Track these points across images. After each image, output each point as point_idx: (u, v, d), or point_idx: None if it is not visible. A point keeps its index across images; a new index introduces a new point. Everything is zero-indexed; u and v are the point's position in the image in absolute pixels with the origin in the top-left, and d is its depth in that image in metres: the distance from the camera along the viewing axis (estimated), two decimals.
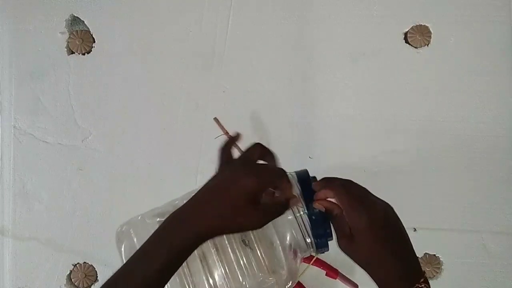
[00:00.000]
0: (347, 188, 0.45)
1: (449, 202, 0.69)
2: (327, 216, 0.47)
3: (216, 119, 0.52)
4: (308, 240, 0.52)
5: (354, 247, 0.43)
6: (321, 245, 0.50)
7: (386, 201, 0.46)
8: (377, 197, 0.46)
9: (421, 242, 0.69)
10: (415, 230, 0.69)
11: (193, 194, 0.52)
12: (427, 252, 0.69)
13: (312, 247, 0.52)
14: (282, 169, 0.44)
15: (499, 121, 0.69)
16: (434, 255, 0.69)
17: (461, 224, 0.69)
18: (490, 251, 0.69)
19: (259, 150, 0.45)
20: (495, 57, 0.70)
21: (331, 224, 0.48)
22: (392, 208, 0.45)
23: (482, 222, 0.69)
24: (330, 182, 0.47)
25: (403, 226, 0.45)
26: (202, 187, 0.43)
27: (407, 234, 0.45)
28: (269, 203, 0.42)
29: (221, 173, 0.44)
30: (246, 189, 0.40)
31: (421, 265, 0.68)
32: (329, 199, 0.46)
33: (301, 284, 0.65)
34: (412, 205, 0.69)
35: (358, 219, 0.42)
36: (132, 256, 0.40)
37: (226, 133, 0.57)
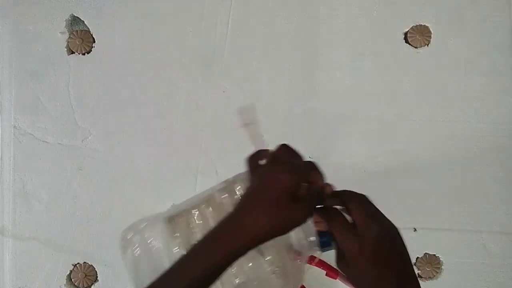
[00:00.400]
0: (337, 214, 0.43)
1: (449, 202, 0.69)
2: None
3: (249, 125, 0.49)
4: (312, 239, 0.51)
5: (350, 271, 0.43)
6: (325, 244, 0.50)
7: (388, 220, 0.43)
8: (375, 218, 0.42)
9: (421, 242, 0.69)
10: (415, 230, 0.69)
11: (198, 197, 0.52)
12: (427, 252, 0.69)
13: (317, 246, 0.52)
14: (312, 161, 0.44)
15: (499, 121, 0.69)
16: (434, 255, 0.69)
17: (461, 224, 0.69)
18: (490, 251, 0.69)
19: (286, 151, 0.46)
20: (495, 57, 0.70)
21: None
22: (390, 229, 0.42)
23: (482, 222, 0.69)
24: (330, 200, 0.45)
25: (404, 248, 0.42)
26: (242, 197, 0.43)
27: (407, 257, 0.42)
28: (306, 195, 0.42)
29: (255, 179, 0.45)
30: (284, 188, 0.40)
31: (421, 265, 0.69)
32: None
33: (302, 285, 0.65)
34: (412, 205, 0.69)
35: (350, 248, 0.41)
36: (173, 266, 0.41)
37: (260, 144, 0.52)
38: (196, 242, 0.42)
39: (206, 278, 0.40)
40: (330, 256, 0.62)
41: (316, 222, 0.46)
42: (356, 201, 0.43)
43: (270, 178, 0.42)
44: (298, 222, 0.42)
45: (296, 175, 0.41)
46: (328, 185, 0.44)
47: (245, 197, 0.43)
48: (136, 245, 0.54)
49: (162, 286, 0.41)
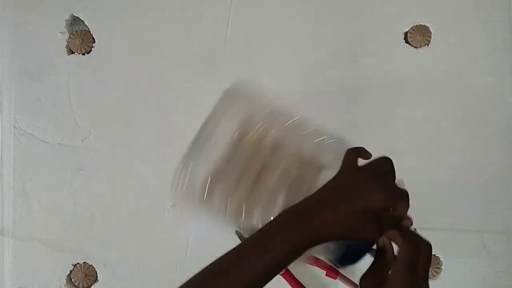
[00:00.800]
0: (415, 255, 0.43)
1: (449, 202, 0.69)
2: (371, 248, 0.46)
3: None
4: (332, 247, 0.51)
5: None
6: (343, 263, 0.49)
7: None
8: (427, 276, 0.44)
9: None
10: (415, 230, 0.69)
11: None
12: None
13: (334, 257, 0.51)
14: (406, 191, 0.45)
15: (499, 121, 0.69)
16: (434, 255, 0.69)
17: (461, 224, 0.69)
18: (490, 251, 0.69)
19: (388, 167, 0.46)
20: (495, 57, 0.70)
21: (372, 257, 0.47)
22: None
23: (482, 222, 0.69)
24: (409, 237, 0.45)
25: None
26: (327, 186, 0.43)
27: None
28: (385, 219, 0.42)
29: (348, 177, 0.44)
30: (374, 206, 0.40)
31: None
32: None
33: (293, 275, 0.65)
34: (412, 205, 0.69)
35: (401, 283, 0.41)
36: (240, 247, 0.41)
37: None
38: (264, 225, 0.41)
39: (275, 267, 0.40)
40: None
41: (385, 236, 0.45)
42: (426, 248, 0.44)
43: (366, 189, 0.42)
44: (365, 239, 0.42)
45: (390, 200, 0.42)
46: (409, 219, 0.45)
47: (329, 189, 0.43)
48: (184, 173, 0.56)
49: (225, 277, 0.39)
